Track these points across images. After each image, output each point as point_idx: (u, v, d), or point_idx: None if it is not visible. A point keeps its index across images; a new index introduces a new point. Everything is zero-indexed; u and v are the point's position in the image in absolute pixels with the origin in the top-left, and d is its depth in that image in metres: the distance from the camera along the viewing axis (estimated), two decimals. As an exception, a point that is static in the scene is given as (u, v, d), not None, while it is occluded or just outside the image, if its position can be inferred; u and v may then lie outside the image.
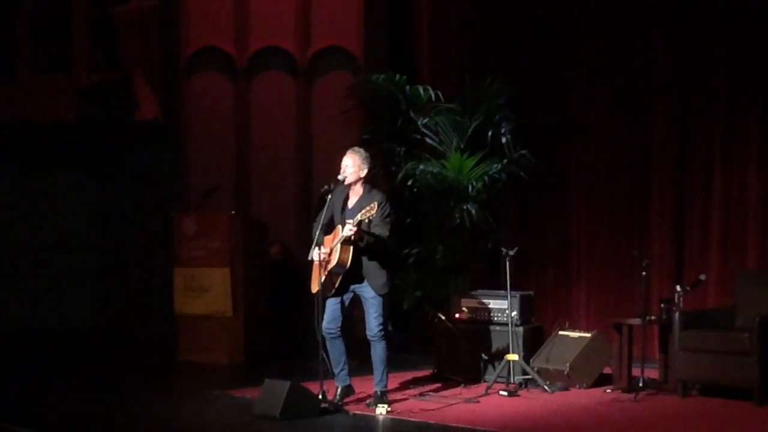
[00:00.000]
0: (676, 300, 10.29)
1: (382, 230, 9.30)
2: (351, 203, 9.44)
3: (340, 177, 9.42)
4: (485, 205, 12.66)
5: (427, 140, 12.98)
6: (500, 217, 12.97)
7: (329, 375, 9.79)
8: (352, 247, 9.22)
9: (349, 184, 9.45)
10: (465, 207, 12.52)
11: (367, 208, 9.10)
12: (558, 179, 12.94)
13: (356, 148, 9.67)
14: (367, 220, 9.16)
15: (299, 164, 15.88)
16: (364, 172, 9.41)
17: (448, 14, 14.23)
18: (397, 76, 13.02)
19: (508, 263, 10.74)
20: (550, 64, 13.02)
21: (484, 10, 13.80)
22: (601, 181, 12.52)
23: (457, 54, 13.96)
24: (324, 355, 9.62)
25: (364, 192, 9.43)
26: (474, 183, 12.50)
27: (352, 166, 9.38)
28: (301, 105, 15.85)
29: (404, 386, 10.72)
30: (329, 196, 9.53)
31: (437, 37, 14.20)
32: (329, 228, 9.65)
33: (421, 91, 12.97)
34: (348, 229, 9.09)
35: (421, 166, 12.71)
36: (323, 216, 9.56)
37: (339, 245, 9.21)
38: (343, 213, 9.46)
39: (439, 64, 14.20)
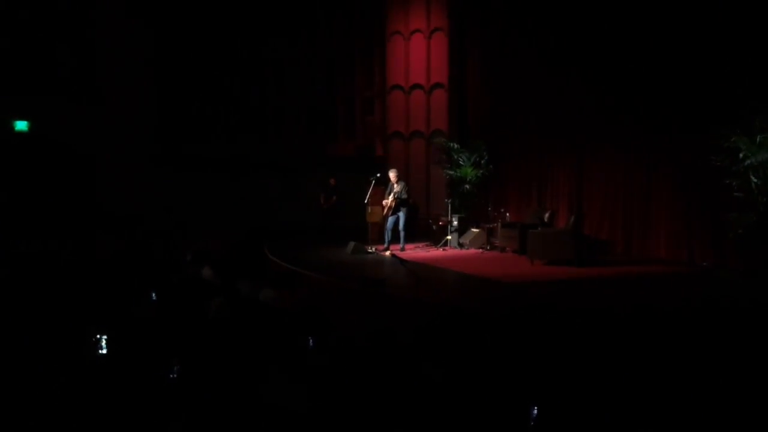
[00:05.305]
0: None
1: (405, 195, 19.96)
2: (394, 186, 20.09)
3: (391, 175, 20.22)
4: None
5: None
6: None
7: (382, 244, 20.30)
8: (396, 199, 19.94)
9: (393, 181, 20.14)
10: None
11: (399, 188, 19.74)
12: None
13: (393, 169, 20.51)
14: (401, 192, 19.74)
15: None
16: (395, 176, 20.34)
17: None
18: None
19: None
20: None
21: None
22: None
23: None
24: (385, 237, 20.63)
25: (398, 182, 20.09)
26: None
27: (395, 176, 20.41)
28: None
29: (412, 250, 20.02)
30: (390, 183, 20.07)
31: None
32: (388, 194, 20.38)
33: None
34: (395, 194, 19.82)
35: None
36: (387, 189, 20.28)
37: (391, 198, 20.02)
38: (391, 189, 20.22)
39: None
